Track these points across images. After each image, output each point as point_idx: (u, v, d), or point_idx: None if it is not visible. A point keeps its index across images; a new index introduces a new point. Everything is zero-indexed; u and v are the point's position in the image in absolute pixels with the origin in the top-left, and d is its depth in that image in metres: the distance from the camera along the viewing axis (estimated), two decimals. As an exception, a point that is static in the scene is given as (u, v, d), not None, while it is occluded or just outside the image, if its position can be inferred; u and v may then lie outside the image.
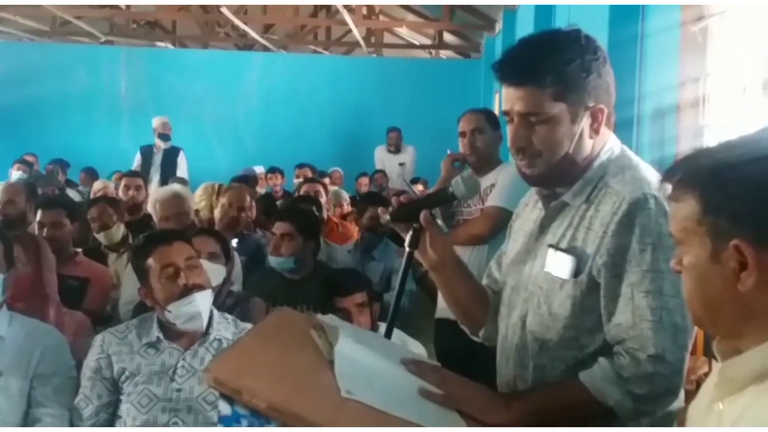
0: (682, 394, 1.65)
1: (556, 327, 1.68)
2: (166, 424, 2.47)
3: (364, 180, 9.50)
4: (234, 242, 4.06)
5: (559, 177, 1.71)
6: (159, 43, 14.35)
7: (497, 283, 1.93)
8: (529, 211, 1.87)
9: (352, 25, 11.59)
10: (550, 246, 1.70)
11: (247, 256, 4.22)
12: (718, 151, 1.16)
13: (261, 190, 7.90)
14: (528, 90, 1.63)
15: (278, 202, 6.47)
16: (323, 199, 5.73)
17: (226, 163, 10.58)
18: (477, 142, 3.63)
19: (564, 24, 1.81)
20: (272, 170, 8.87)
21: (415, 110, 11.48)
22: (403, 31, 14.38)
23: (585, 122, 1.66)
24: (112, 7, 12.60)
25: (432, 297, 3.79)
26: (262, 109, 12.14)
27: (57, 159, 9.48)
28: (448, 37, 13.83)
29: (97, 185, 6.90)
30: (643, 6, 4.82)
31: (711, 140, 1.22)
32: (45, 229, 3.88)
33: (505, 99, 1.68)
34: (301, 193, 6.07)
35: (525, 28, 7.91)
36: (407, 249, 1.79)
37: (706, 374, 3.10)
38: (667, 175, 1.20)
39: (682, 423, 1.45)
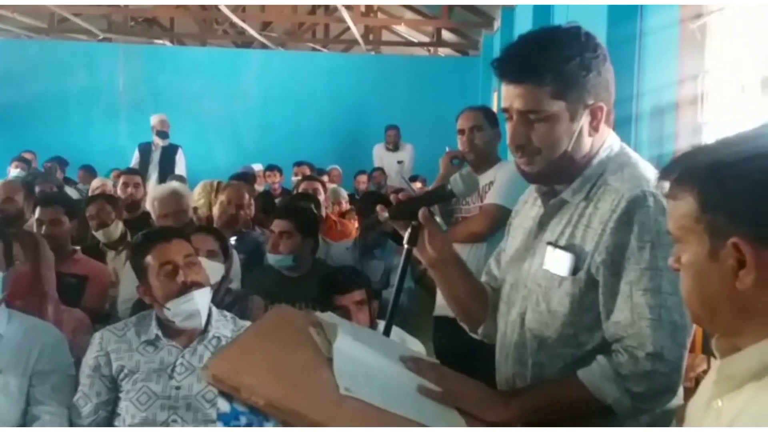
0: (680, 392, 1.65)
1: (555, 324, 1.68)
2: (165, 422, 2.47)
3: (363, 178, 9.50)
4: (232, 240, 4.06)
5: (559, 174, 1.71)
6: (157, 41, 14.33)
7: (496, 280, 1.94)
8: (528, 208, 1.87)
9: (350, 23, 11.58)
10: (549, 243, 1.70)
11: (246, 253, 4.22)
12: (716, 149, 1.15)
13: (259, 187, 7.90)
14: (527, 88, 1.63)
15: (277, 200, 6.47)
16: (322, 197, 5.72)
17: (225, 161, 10.57)
18: (476, 140, 3.63)
19: (563, 21, 1.80)
20: (271, 168, 8.87)
21: (413, 108, 11.48)
22: (401, 28, 14.36)
23: (584, 120, 1.66)
24: (110, 4, 12.57)
25: (431, 294, 3.79)
26: (260, 106, 12.14)
27: (55, 157, 9.48)
28: (446, 35, 13.83)
29: (95, 183, 6.89)
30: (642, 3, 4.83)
31: (710, 138, 1.21)
32: (43, 227, 3.88)
33: (504, 96, 1.68)
34: (300, 190, 6.06)
35: (523, 25, 7.91)
36: (406, 246, 1.79)
37: (705, 372, 3.11)
38: (665, 172, 1.19)
39: (681, 420, 1.45)
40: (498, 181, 3.48)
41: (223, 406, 1.40)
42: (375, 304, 3.15)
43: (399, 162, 10.14)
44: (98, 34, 13.04)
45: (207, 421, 2.46)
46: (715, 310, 1.15)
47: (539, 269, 1.72)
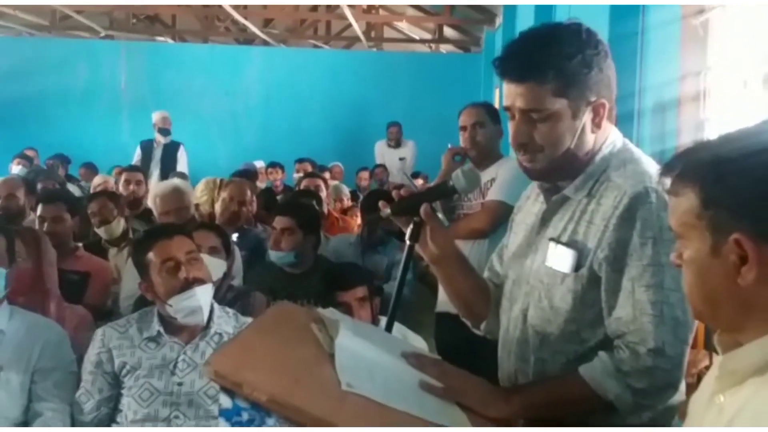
0: (683, 388, 1.65)
1: (557, 321, 1.68)
2: (167, 418, 2.47)
3: (365, 174, 9.50)
4: (234, 237, 4.06)
5: (562, 172, 1.70)
6: (159, 38, 14.33)
7: (499, 276, 1.93)
8: (530, 204, 1.87)
9: (352, 20, 11.57)
10: (552, 240, 1.70)
11: (248, 250, 4.22)
12: (718, 145, 1.15)
13: (261, 184, 7.89)
14: (529, 86, 1.63)
15: (278, 197, 6.48)
16: (323, 194, 5.72)
17: (226, 158, 10.57)
18: (478, 136, 3.62)
19: (565, 17, 1.80)
20: (272, 165, 8.86)
21: (415, 105, 11.47)
22: (403, 25, 14.34)
23: (586, 117, 1.66)
24: (112, 2, 12.56)
25: (432, 291, 3.79)
26: (262, 103, 12.13)
27: (57, 154, 9.49)
28: (448, 32, 13.82)
29: (97, 180, 6.90)
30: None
31: (712, 134, 1.21)
32: (45, 224, 3.88)
33: (506, 95, 1.68)
34: (302, 187, 6.07)
35: (526, 21, 7.90)
36: (408, 242, 1.79)
37: (707, 367, 3.10)
38: (666, 169, 1.19)
39: (683, 416, 1.45)
40: (500, 177, 3.47)
41: (225, 402, 1.40)
42: (377, 301, 3.16)
43: (401, 159, 10.13)
44: (100, 31, 13.05)
45: (209, 418, 2.46)
46: (717, 306, 1.15)
47: (541, 265, 1.72)
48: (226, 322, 2.66)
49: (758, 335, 1.11)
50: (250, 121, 12.07)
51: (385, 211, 1.79)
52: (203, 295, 2.55)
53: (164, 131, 9.24)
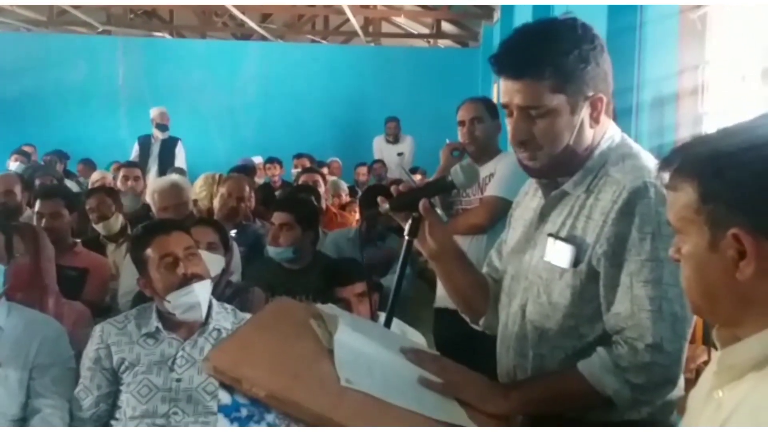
0: (681, 383, 1.65)
1: (556, 316, 1.68)
2: (166, 414, 2.47)
3: (363, 170, 9.50)
4: (233, 232, 4.06)
5: (561, 168, 1.70)
6: (156, 33, 14.29)
7: (497, 271, 1.93)
8: (529, 199, 1.87)
9: (350, 15, 11.55)
10: (550, 235, 1.70)
11: (246, 246, 4.22)
12: (716, 139, 1.15)
13: (259, 180, 7.89)
14: (526, 83, 1.62)
15: (277, 192, 6.47)
16: (322, 189, 5.73)
17: (225, 153, 10.56)
18: (476, 131, 3.62)
19: (563, 10, 1.79)
20: (270, 160, 8.86)
21: (413, 100, 11.45)
22: (401, 20, 14.32)
23: (585, 112, 1.66)
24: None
25: (431, 286, 3.79)
26: (260, 99, 12.11)
27: (55, 150, 9.47)
28: (446, 26, 13.79)
29: (95, 176, 6.90)
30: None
31: (710, 128, 1.20)
32: (44, 220, 3.87)
33: (503, 92, 1.67)
34: (300, 183, 6.07)
35: (524, 15, 7.89)
36: (406, 238, 1.79)
37: (706, 362, 3.11)
38: (664, 163, 1.19)
39: (681, 412, 1.45)
40: (498, 172, 3.47)
41: (224, 397, 1.40)
42: (376, 296, 3.16)
43: (399, 154, 10.13)
44: (97, 26, 13.00)
45: (208, 414, 2.47)
46: (716, 300, 1.15)
47: (540, 261, 1.71)
48: (225, 318, 2.66)
49: (757, 330, 1.11)
50: (248, 116, 12.05)
51: (384, 206, 1.79)
52: (202, 291, 2.55)
53: (162, 127, 9.24)
